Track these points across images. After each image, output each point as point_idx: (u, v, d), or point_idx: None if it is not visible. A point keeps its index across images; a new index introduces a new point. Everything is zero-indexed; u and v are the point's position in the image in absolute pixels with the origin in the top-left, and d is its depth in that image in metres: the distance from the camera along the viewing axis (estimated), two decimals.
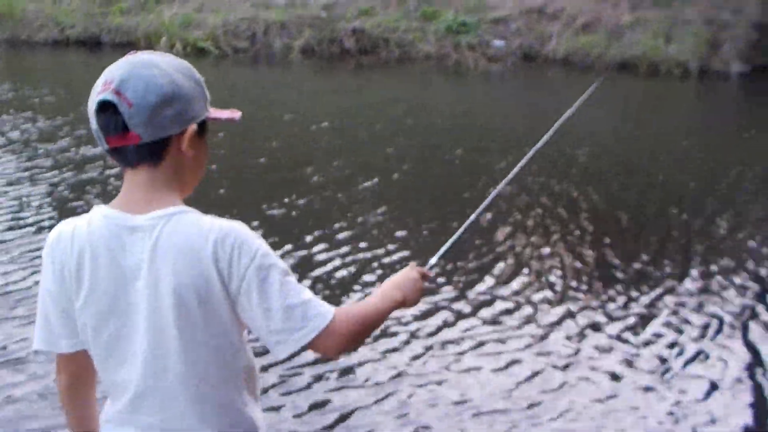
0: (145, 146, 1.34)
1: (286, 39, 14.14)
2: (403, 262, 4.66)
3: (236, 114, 1.48)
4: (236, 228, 1.36)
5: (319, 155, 7.51)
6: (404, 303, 1.58)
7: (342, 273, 4.73)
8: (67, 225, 1.42)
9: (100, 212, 1.39)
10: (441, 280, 4.54)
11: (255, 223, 5.22)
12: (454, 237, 1.84)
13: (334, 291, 4.43)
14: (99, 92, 1.33)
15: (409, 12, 14.24)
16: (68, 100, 9.74)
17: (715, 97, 11.71)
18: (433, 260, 1.76)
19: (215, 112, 1.45)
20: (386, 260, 4.90)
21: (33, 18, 15.58)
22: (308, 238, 5.21)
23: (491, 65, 13.06)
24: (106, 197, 4.48)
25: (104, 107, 1.32)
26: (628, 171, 7.16)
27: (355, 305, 1.52)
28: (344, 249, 5.08)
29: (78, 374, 1.51)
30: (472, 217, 1.93)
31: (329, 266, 4.81)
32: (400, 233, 5.46)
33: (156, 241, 1.35)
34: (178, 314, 1.35)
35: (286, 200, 6.02)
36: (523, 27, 13.63)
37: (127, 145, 1.34)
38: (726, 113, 10.56)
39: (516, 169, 2.12)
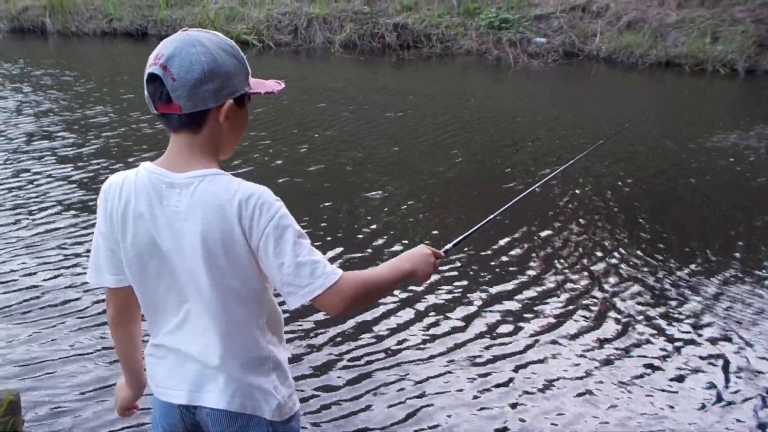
0: (186, 116, 1.50)
1: (327, 33, 14.24)
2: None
3: (277, 87, 1.60)
4: (260, 190, 1.51)
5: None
6: (414, 275, 1.71)
7: (376, 254, 4.82)
8: (118, 176, 1.59)
9: (145, 167, 1.56)
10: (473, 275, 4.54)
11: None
12: (471, 231, 1.99)
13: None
14: (150, 64, 1.48)
15: (452, 8, 14.23)
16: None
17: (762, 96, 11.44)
18: (449, 246, 1.90)
19: (256, 86, 1.57)
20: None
21: (82, 9, 15.98)
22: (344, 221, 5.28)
23: (532, 62, 12.97)
24: None
25: (153, 78, 1.48)
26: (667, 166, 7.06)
27: (364, 271, 1.62)
28: (381, 234, 5.17)
29: (121, 308, 1.70)
30: (491, 217, 2.07)
31: (366, 251, 4.90)
32: (422, 222, 5.51)
33: (191, 197, 1.50)
34: (207, 261, 1.51)
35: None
36: (566, 24, 13.51)
37: (172, 113, 1.49)
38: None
39: (527, 192, 2.41)
